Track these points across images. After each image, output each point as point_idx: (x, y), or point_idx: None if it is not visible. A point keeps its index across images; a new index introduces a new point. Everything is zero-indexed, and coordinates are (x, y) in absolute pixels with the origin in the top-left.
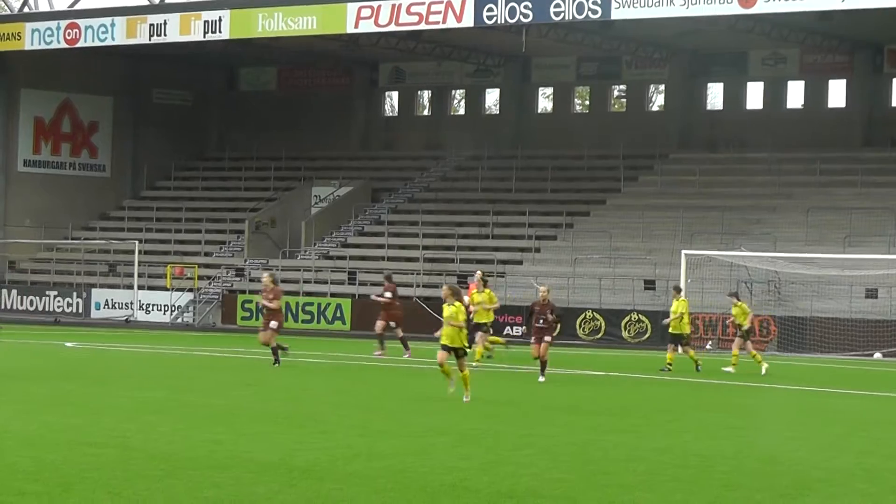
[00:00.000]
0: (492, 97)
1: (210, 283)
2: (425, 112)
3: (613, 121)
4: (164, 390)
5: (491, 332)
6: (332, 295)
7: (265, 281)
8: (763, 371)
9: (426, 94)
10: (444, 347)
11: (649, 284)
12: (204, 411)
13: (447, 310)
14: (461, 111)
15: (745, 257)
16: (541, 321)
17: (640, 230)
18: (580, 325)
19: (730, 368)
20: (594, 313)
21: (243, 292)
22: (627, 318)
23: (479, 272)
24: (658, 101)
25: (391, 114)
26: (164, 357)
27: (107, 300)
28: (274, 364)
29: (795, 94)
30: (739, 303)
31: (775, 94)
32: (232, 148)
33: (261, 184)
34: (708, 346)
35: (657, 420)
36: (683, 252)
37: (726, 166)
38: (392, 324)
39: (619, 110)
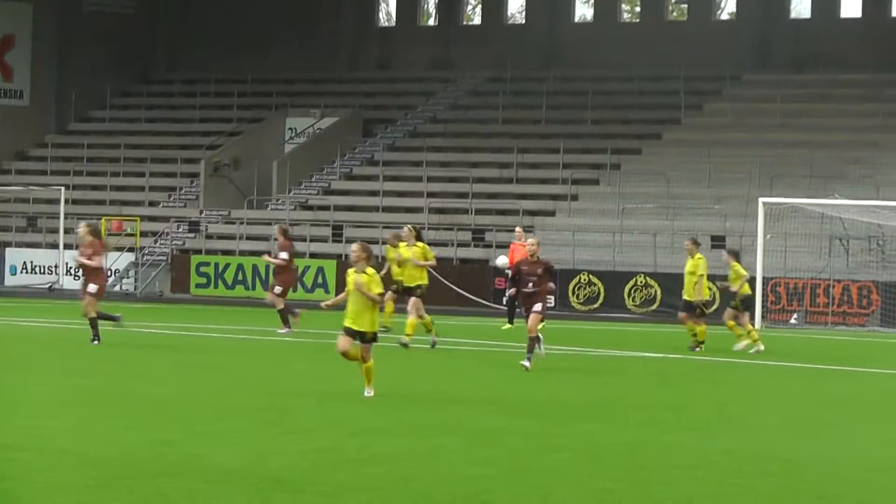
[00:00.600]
0: (516, 2)
1: (156, 242)
2: (430, 21)
3: (671, 33)
4: (99, 378)
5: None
6: (312, 255)
7: (81, 232)
8: (739, 346)
9: None
10: (348, 331)
11: (718, 241)
12: (149, 404)
13: (355, 278)
14: (476, 20)
15: (841, 207)
16: (529, 284)
17: (707, 172)
18: (629, 294)
19: (741, 345)
20: (647, 278)
21: (198, 252)
22: None
23: (407, 226)
24: (728, 6)
25: (387, 23)
26: (99, 335)
27: (25, 263)
28: (92, 341)
29: None
30: (735, 264)
31: (878, 0)
32: (184, 68)
33: (221, 114)
34: (793, 321)
35: (727, 414)
36: (761, 200)
37: (816, 91)
38: (278, 289)
39: (679, 18)
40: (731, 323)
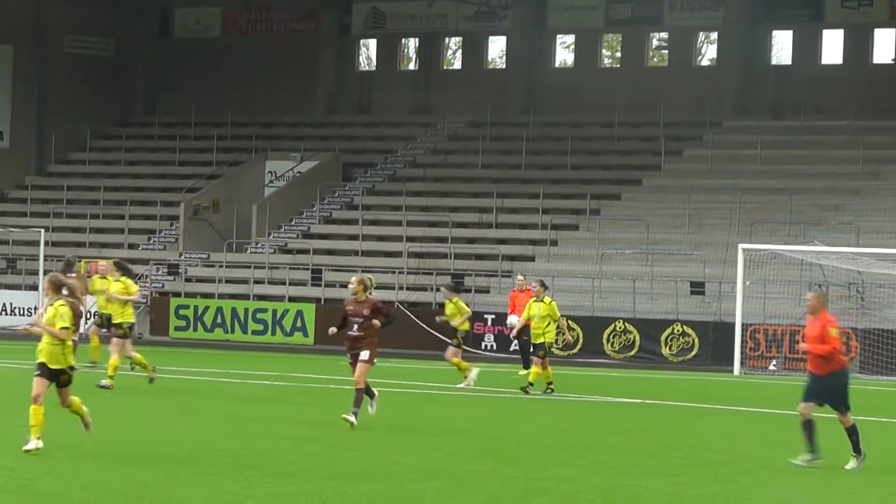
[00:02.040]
0: (496, 47)
1: (138, 281)
2: (411, 66)
3: (652, 79)
4: (73, 421)
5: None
6: (291, 299)
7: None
8: (465, 384)
9: (412, 43)
10: (43, 369)
11: (697, 288)
12: (124, 448)
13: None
14: (457, 65)
15: (820, 253)
16: (354, 327)
17: (686, 218)
18: (608, 340)
19: (472, 377)
20: (626, 324)
21: (178, 295)
22: (669, 331)
23: (112, 260)
24: (709, 53)
25: (367, 67)
26: (79, 378)
27: (4, 305)
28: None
29: (884, 46)
30: (455, 298)
31: (859, 46)
32: (164, 111)
33: (201, 157)
34: (772, 367)
35: (705, 460)
36: (741, 247)
37: (796, 137)
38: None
39: (660, 65)
40: (456, 360)
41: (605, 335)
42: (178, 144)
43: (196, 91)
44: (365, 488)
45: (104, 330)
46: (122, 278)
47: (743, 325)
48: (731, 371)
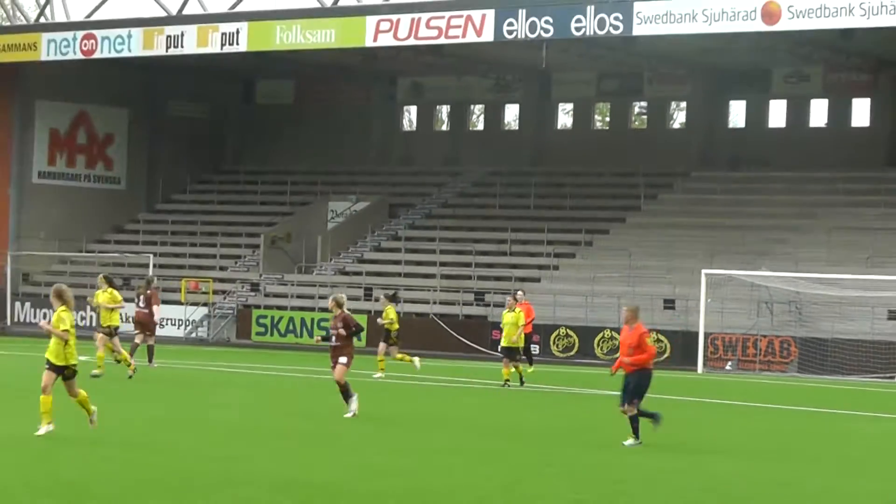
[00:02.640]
0: (511, 113)
1: (225, 298)
2: (444, 127)
3: (634, 138)
4: (179, 406)
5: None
6: (349, 311)
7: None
8: (417, 365)
9: (445, 109)
10: (49, 365)
11: (669, 304)
12: (218, 427)
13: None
14: (480, 126)
15: (767, 277)
16: (332, 338)
17: (661, 249)
18: (598, 344)
19: (379, 375)
20: (612, 332)
21: (258, 307)
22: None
23: (100, 275)
24: (679, 118)
25: (409, 128)
26: (179, 372)
27: (121, 314)
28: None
29: (819, 113)
30: (390, 307)
31: (798, 113)
32: (248, 161)
33: (277, 198)
34: (728, 367)
35: (679, 441)
36: (704, 271)
37: (748, 185)
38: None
39: (640, 127)
40: (400, 355)
41: (596, 341)
42: (259, 188)
43: (273, 146)
44: (408, 461)
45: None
46: (110, 290)
47: (705, 333)
48: (696, 370)
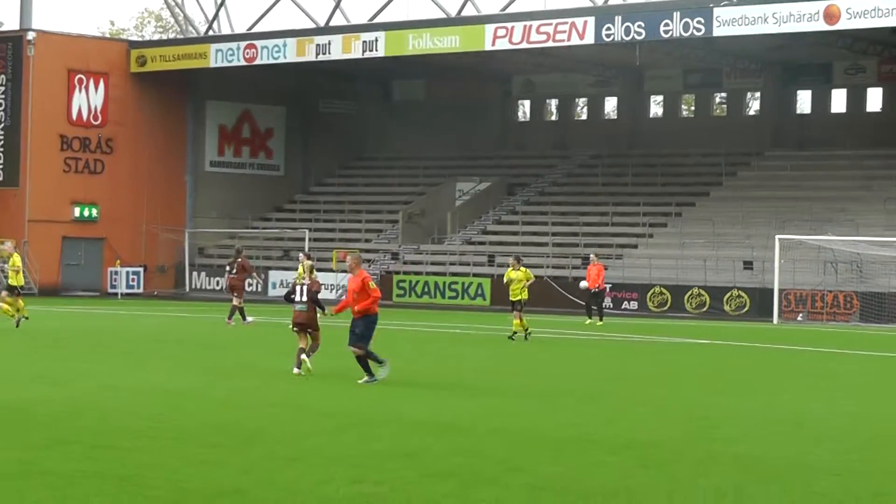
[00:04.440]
0: (610, 104)
1: (369, 266)
2: (553, 117)
3: (715, 124)
4: (331, 358)
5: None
6: (474, 275)
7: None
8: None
9: (553, 102)
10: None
11: (747, 265)
12: (363, 376)
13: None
14: (584, 116)
15: (831, 241)
16: (298, 305)
17: (739, 218)
18: (688, 301)
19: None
20: (700, 290)
21: (398, 273)
22: (729, 294)
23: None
24: (754, 106)
25: (523, 119)
26: (329, 330)
27: (281, 280)
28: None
29: (874, 100)
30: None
31: (856, 100)
32: (387, 149)
33: (412, 180)
34: (799, 318)
35: (756, 382)
36: (777, 236)
37: (814, 163)
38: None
39: (721, 115)
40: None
41: (686, 298)
42: (396, 172)
43: (408, 136)
44: (523, 402)
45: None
46: (15, 254)
47: (779, 289)
48: (772, 321)
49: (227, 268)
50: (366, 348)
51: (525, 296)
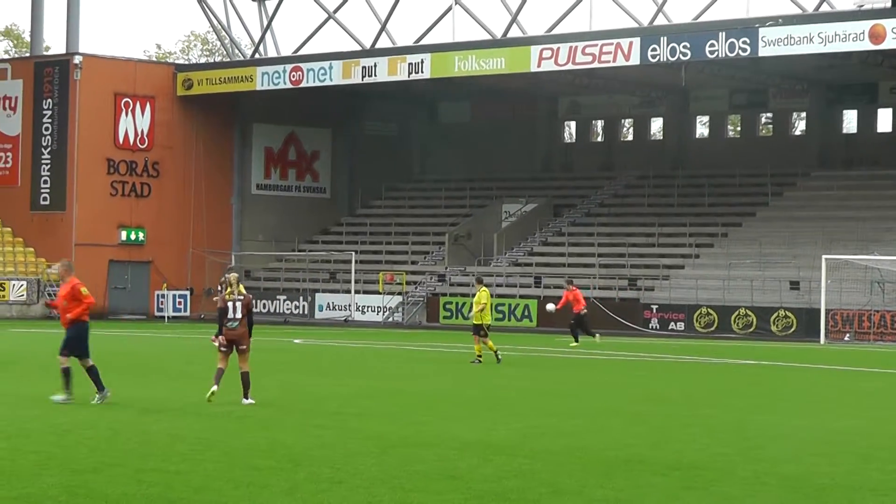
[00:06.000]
0: (656, 125)
1: (416, 288)
2: (599, 138)
3: (761, 144)
4: (378, 379)
5: None
6: (521, 297)
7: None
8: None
9: (599, 123)
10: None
11: (794, 285)
12: (411, 397)
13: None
14: (630, 137)
15: (878, 260)
16: (231, 323)
17: (786, 238)
18: (734, 321)
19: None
20: (746, 310)
21: (444, 295)
22: (775, 315)
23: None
24: (800, 126)
25: (569, 140)
26: (378, 351)
27: (328, 303)
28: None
29: None
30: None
31: None
32: (433, 171)
33: (458, 202)
34: (846, 338)
35: (803, 402)
36: (824, 256)
37: (860, 182)
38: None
39: (766, 135)
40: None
41: (732, 318)
42: (442, 194)
43: (454, 158)
44: (572, 422)
45: None
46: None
47: (826, 310)
48: (818, 341)
49: (220, 288)
50: (87, 360)
51: (487, 320)
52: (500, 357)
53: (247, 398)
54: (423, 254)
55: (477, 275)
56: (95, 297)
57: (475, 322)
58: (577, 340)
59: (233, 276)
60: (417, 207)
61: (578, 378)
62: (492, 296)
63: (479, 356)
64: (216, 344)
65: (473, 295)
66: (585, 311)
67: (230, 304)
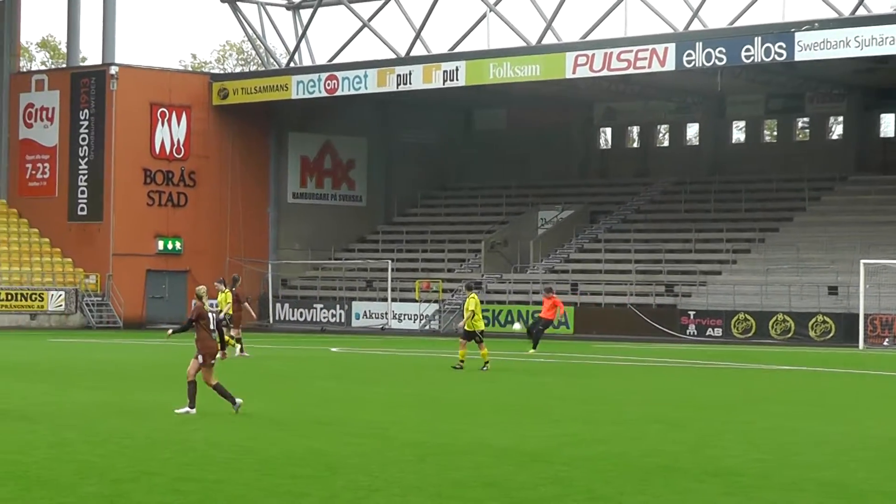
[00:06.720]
0: (692, 130)
1: (452, 295)
2: (634, 144)
3: (798, 149)
4: (415, 387)
5: None
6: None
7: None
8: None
9: (635, 129)
10: None
11: (832, 290)
12: (448, 405)
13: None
14: (665, 143)
15: None
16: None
17: (824, 243)
18: (772, 327)
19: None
20: (785, 316)
21: (482, 302)
22: (814, 320)
23: None
24: (837, 130)
25: (605, 146)
26: (415, 359)
27: (365, 311)
28: None
29: None
30: (226, 290)
31: None
32: (469, 179)
33: (494, 209)
34: (885, 343)
35: (842, 408)
36: (862, 261)
37: None
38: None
39: (803, 139)
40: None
41: (770, 323)
42: (478, 201)
43: (490, 165)
44: (609, 429)
45: None
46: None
47: (864, 314)
48: (857, 346)
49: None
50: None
51: (480, 326)
52: (488, 367)
53: (234, 402)
54: (459, 261)
55: (467, 282)
56: (134, 306)
57: (467, 329)
58: (534, 347)
59: (202, 288)
60: (453, 215)
61: (614, 385)
62: (530, 302)
63: (462, 361)
64: (169, 332)
65: (491, 302)
66: (554, 323)
67: (211, 315)
